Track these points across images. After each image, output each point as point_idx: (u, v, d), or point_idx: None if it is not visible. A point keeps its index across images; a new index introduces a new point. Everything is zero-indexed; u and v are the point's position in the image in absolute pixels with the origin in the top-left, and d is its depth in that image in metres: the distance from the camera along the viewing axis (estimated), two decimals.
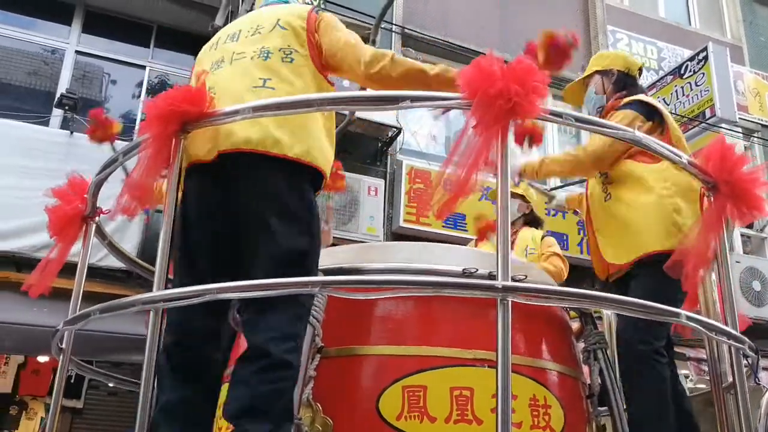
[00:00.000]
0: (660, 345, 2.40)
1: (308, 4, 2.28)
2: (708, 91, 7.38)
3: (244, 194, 1.85)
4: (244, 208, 1.85)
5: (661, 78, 8.28)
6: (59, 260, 2.21)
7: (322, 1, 6.44)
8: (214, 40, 2.20)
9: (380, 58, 1.96)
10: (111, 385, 2.86)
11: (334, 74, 2.10)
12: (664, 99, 7.97)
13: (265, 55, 1.99)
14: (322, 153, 1.93)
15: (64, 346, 2.13)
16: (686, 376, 8.02)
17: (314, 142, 1.90)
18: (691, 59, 7.80)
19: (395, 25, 7.83)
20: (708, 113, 7.31)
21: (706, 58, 7.52)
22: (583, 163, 2.67)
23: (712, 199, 1.97)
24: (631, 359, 2.41)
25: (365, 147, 7.52)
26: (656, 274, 2.35)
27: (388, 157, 7.79)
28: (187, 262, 1.90)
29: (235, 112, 1.71)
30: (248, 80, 1.94)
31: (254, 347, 1.69)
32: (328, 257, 2.27)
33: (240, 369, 1.68)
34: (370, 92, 1.93)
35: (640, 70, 2.90)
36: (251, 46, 2.03)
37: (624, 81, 2.81)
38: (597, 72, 2.88)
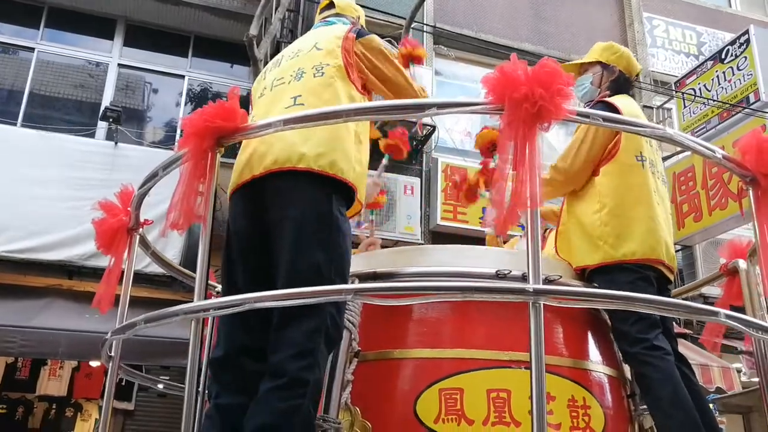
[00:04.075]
0: (655, 335, 2.26)
1: (351, 24, 2.33)
2: (751, 75, 7.14)
3: (269, 210, 1.92)
4: (269, 224, 1.92)
5: (701, 64, 8.04)
6: (116, 272, 2.30)
7: None
8: (265, 68, 2.31)
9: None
10: (161, 387, 2.95)
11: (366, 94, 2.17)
12: (704, 85, 7.75)
13: (300, 75, 2.07)
14: (350, 165, 1.95)
15: (113, 353, 2.22)
16: (739, 371, 7.79)
17: (342, 155, 1.93)
18: (732, 43, 7.55)
19: (426, 24, 7.82)
20: (752, 98, 7.07)
21: (748, 41, 7.28)
22: (560, 182, 2.55)
23: (751, 194, 1.92)
24: (633, 364, 2.31)
25: None
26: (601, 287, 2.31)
27: (424, 155, 7.80)
28: (228, 281, 1.99)
29: (268, 125, 1.75)
30: (282, 102, 2.02)
31: (272, 366, 1.74)
32: (365, 261, 2.31)
33: (261, 387, 1.73)
34: (397, 101, 1.96)
35: (637, 75, 2.83)
36: (289, 69, 2.12)
37: (620, 83, 2.72)
38: (600, 63, 2.75)
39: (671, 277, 2.49)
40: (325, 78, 2.04)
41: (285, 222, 1.87)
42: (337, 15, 2.39)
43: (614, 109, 2.54)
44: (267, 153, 1.90)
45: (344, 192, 1.96)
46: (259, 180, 1.92)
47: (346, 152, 1.95)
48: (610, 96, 2.66)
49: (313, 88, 2.02)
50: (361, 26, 2.37)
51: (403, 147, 3.09)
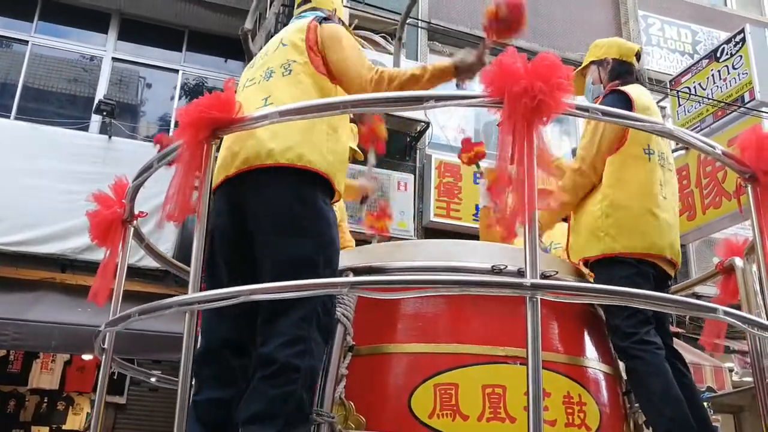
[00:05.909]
0: (645, 330, 2.25)
1: (321, 15, 2.26)
2: (746, 74, 7.17)
3: (248, 209, 1.92)
4: (250, 221, 1.92)
5: (697, 62, 8.06)
6: (112, 265, 2.28)
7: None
8: (246, 68, 2.30)
9: (378, 83, 2.00)
10: (153, 380, 2.93)
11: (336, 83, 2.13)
12: (699, 84, 7.77)
13: (269, 75, 2.07)
14: (321, 156, 1.94)
15: (106, 346, 2.20)
16: (731, 370, 7.81)
17: (310, 146, 1.92)
18: (727, 42, 7.58)
19: (421, 20, 7.80)
20: (747, 97, 7.10)
21: (743, 40, 7.30)
22: (584, 173, 2.51)
23: (750, 190, 1.91)
24: (624, 358, 2.30)
25: (394, 142, 7.52)
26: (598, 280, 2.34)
27: (417, 151, 7.78)
28: (210, 275, 1.98)
29: (264, 117, 1.74)
30: (253, 104, 2.01)
31: (262, 355, 1.74)
32: (359, 255, 2.30)
33: (254, 377, 1.73)
34: (394, 93, 1.94)
35: (638, 54, 2.78)
36: (260, 70, 2.13)
37: (618, 69, 2.70)
38: (593, 62, 2.79)
39: (672, 273, 2.47)
40: (293, 75, 2.04)
41: (267, 216, 1.87)
42: (313, 9, 2.31)
43: (626, 98, 2.52)
44: (239, 152, 1.92)
45: (324, 182, 1.95)
46: (235, 178, 1.93)
47: (315, 143, 1.94)
48: (619, 85, 2.63)
49: (282, 87, 2.02)
50: (339, 19, 2.32)
51: (379, 128, 3.03)
